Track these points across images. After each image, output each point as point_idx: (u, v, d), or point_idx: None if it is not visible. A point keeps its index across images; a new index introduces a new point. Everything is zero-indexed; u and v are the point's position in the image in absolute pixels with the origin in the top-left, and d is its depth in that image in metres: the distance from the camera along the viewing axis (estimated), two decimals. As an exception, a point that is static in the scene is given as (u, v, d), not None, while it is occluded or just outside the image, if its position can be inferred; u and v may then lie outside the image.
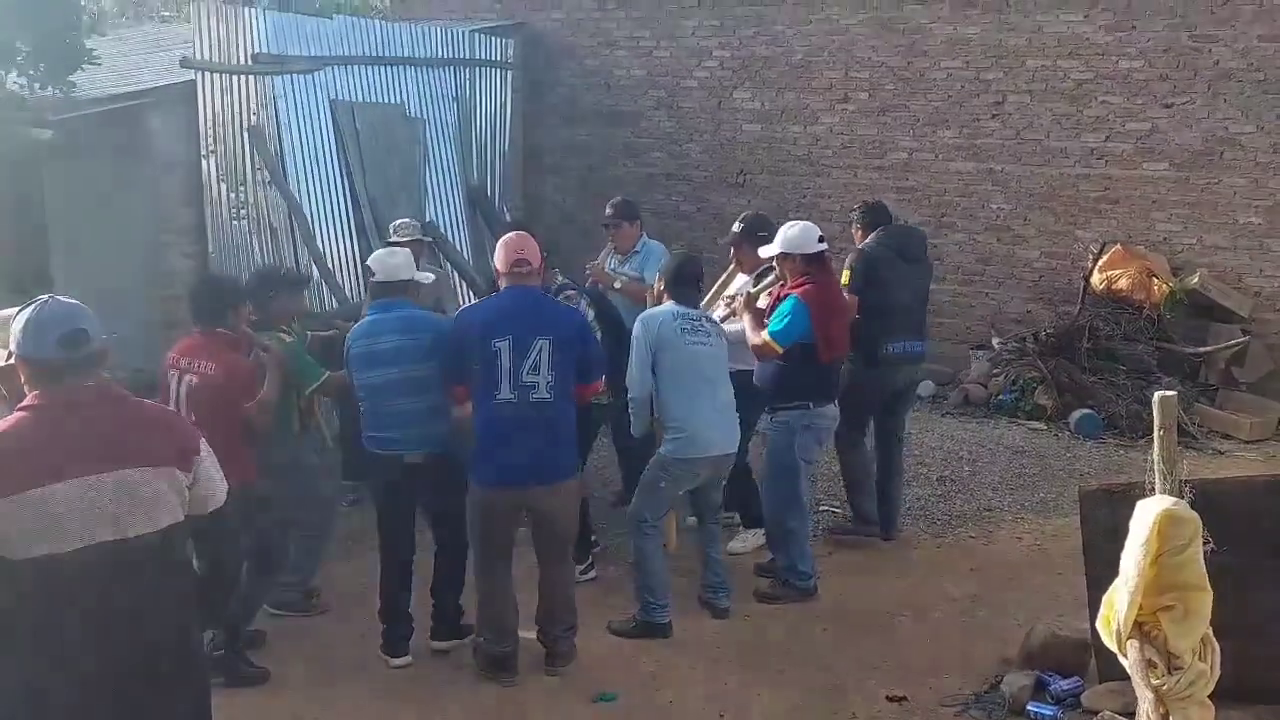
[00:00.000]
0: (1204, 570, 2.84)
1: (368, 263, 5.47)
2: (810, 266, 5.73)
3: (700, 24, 11.51)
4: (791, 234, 5.75)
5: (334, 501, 5.97)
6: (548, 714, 4.87)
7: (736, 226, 6.50)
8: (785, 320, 5.60)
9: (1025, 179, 10.38)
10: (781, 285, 5.82)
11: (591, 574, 6.08)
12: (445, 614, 5.33)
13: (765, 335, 5.64)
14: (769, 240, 6.09)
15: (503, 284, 5.04)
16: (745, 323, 5.80)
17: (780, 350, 5.59)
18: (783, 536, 5.88)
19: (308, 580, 5.74)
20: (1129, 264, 9.55)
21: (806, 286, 5.66)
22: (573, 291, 6.02)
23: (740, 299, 5.95)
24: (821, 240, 5.80)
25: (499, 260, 5.02)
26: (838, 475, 7.59)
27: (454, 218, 10.22)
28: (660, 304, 5.67)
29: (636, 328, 5.47)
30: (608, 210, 6.94)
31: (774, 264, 5.99)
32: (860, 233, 6.70)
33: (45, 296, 2.92)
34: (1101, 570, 4.00)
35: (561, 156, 12.26)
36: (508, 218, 10.55)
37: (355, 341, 5.20)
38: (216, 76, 8.05)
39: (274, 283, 5.71)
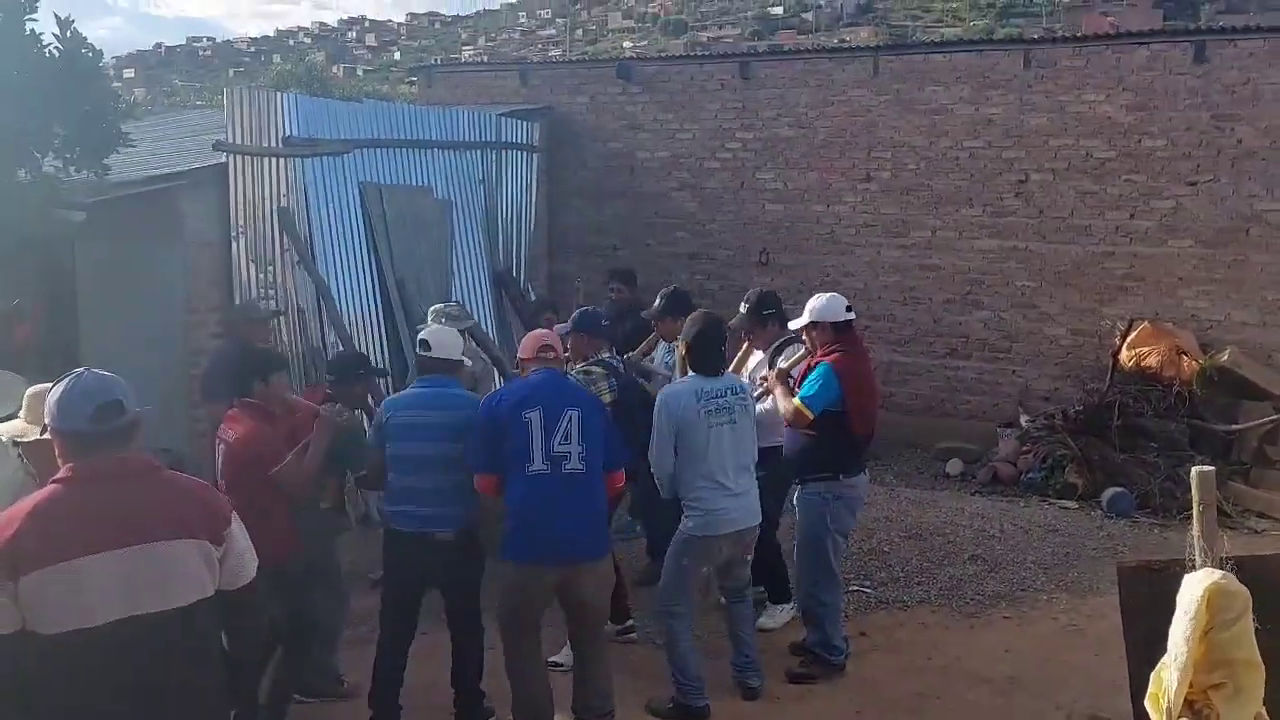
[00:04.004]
0: (1255, 646, 2.76)
1: (423, 336, 5.42)
2: (840, 335, 5.74)
3: (723, 106, 11.69)
4: (819, 304, 5.76)
5: (344, 583, 5.90)
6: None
7: (743, 307, 6.41)
8: (816, 385, 5.56)
9: (1050, 256, 10.41)
10: (810, 355, 5.81)
11: (632, 635, 6.09)
12: (468, 700, 5.22)
13: (796, 401, 5.60)
14: (776, 315, 6.28)
15: (530, 368, 5.06)
16: (776, 393, 5.76)
17: (811, 416, 5.54)
18: (816, 610, 5.79)
19: (332, 663, 5.66)
20: (1158, 341, 9.52)
21: (837, 355, 5.65)
22: (599, 369, 6.06)
23: (771, 375, 5.91)
24: (849, 309, 5.81)
25: (524, 349, 5.10)
26: (869, 553, 7.50)
27: (480, 298, 10.29)
28: (683, 372, 5.63)
29: (658, 405, 5.39)
30: (656, 302, 6.71)
31: (795, 336, 6.03)
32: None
33: (81, 369, 2.93)
34: (1142, 650, 3.88)
35: (586, 237, 12.38)
36: (532, 297, 10.62)
37: (396, 412, 5.15)
38: (248, 159, 8.18)
39: (362, 366, 6.07)
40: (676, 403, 5.31)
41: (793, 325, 5.98)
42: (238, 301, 7.91)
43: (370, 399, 6.31)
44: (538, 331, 5.34)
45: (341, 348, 8.29)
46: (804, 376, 5.74)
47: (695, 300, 6.95)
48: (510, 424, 4.75)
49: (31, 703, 2.73)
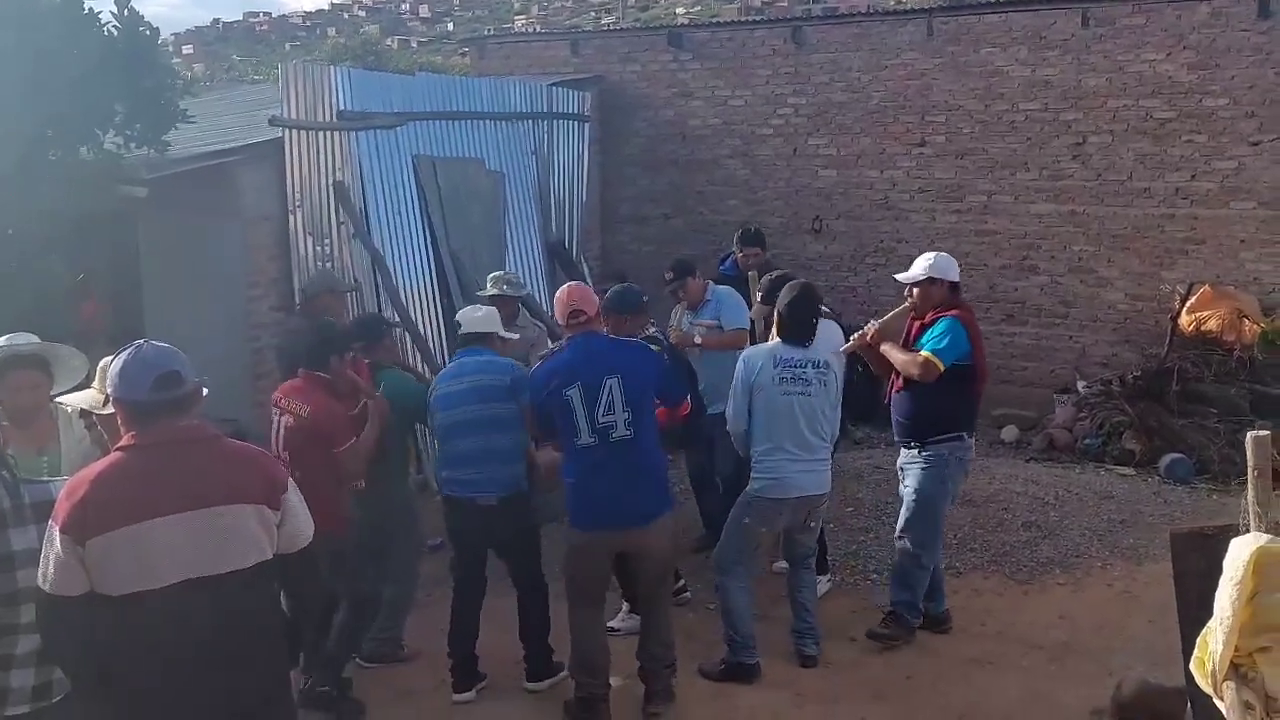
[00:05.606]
0: (1304, 610, 2.74)
1: (456, 319, 5.66)
2: (955, 295, 5.69)
3: (775, 72, 11.60)
4: (938, 261, 5.66)
5: (420, 549, 6.03)
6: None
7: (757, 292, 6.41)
8: (945, 339, 5.45)
9: (1108, 220, 10.24)
10: (914, 314, 5.71)
11: (686, 594, 6.17)
12: (537, 656, 5.37)
13: (926, 353, 5.45)
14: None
15: (565, 336, 5.14)
16: (887, 348, 5.64)
17: (943, 368, 5.41)
18: (914, 572, 5.75)
19: (398, 630, 5.79)
20: (1218, 304, 9.34)
21: (958, 311, 5.60)
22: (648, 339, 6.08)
23: (872, 329, 5.73)
24: None
25: (557, 314, 5.14)
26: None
27: (534, 269, 10.34)
28: (770, 336, 5.60)
29: (739, 364, 5.45)
30: (667, 275, 6.96)
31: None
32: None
33: (140, 341, 3.04)
34: (1195, 616, 3.86)
35: (638, 206, 12.38)
36: (586, 268, 10.66)
37: (440, 383, 5.39)
38: (303, 133, 8.28)
39: (384, 322, 6.21)
40: (754, 363, 5.39)
41: (901, 278, 5.81)
42: (311, 273, 7.88)
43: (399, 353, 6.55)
44: (563, 292, 5.14)
45: (397, 317, 8.40)
46: (918, 335, 5.62)
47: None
48: (554, 403, 4.86)
49: (100, 662, 2.85)
